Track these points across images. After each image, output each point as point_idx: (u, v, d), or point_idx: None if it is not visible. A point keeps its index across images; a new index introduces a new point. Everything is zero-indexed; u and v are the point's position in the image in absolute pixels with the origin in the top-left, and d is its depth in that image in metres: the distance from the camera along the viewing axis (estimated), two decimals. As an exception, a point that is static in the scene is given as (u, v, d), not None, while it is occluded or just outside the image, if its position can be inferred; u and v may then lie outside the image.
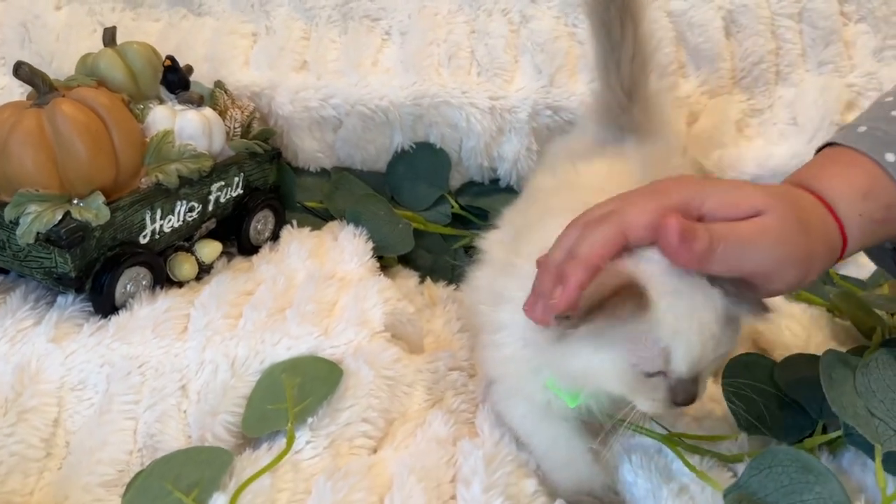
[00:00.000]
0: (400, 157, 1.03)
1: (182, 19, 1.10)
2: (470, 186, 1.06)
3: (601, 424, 0.61)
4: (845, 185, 0.56)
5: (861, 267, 0.94)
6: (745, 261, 0.49)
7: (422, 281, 0.95)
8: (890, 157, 0.56)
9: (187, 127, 0.81)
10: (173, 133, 0.80)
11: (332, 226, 0.96)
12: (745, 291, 0.49)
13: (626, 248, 0.49)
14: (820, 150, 0.63)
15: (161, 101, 0.84)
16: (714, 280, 0.49)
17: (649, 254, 0.49)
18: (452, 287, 0.93)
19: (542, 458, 0.62)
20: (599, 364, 0.50)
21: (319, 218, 1.00)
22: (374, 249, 0.91)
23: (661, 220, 0.47)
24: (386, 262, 0.95)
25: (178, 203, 0.81)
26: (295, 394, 0.64)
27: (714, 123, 1.05)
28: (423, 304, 0.89)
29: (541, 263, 0.52)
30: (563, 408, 0.59)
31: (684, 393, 0.49)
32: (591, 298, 0.47)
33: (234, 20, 1.08)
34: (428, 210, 1.02)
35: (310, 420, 0.63)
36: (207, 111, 0.84)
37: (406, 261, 0.98)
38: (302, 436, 0.61)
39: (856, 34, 1.07)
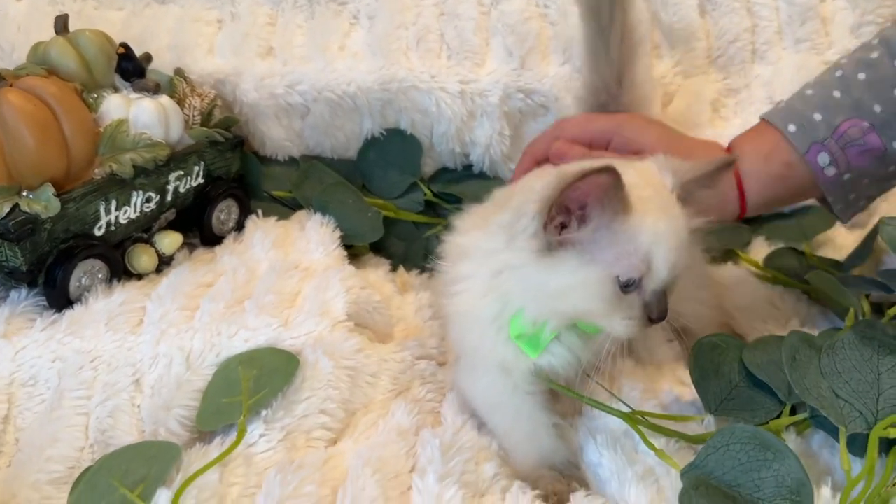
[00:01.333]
0: (370, 144, 1.02)
1: (145, 7, 1.08)
2: (443, 173, 1.04)
3: (558, 397, 0.62)
4: (752, 147, 0.72)
5: (839, 248, 0.93)
6: (626, 136, 0.72)
7: (394, 269, 0.94)
8: (791, 127, 0.71)
9: (142, 115, 0.79)
10: (128, 122, 0.78)
11: (300, 215, 0.94)
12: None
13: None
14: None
15: (116, 90, 0.82)
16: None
17: (624, 168, 0.53)
18: (426, 275, 0.92)
19: (504, 435, 0.62)
20: (583, 279, 0.52)
21: (288, 207, 0.98)
22: (343, 238, 0.90)
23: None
24: (357, 250, 0.94)
25: (135, 193, 0.79)
26: (251, 386, 0.62)
27: (689, 104, 1.03)
28: (394, 291, 0.88)
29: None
30: (525, 372, 0.60)
31: (659, 306, 0.53)
32: (576, 175, 0.50)
33: (198, 7, 1.06)
34: (400, 197, 1.00)
35: (264, 413, 0.61)
36: (164, 99, 0.82)
37: (378, 249, 0.97)
38: (255, 429, 0.60)
39: (833, 10, 1.05)
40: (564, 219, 0.52)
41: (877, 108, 0.69)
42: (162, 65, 0.95)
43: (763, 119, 0.75)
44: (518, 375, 0.61)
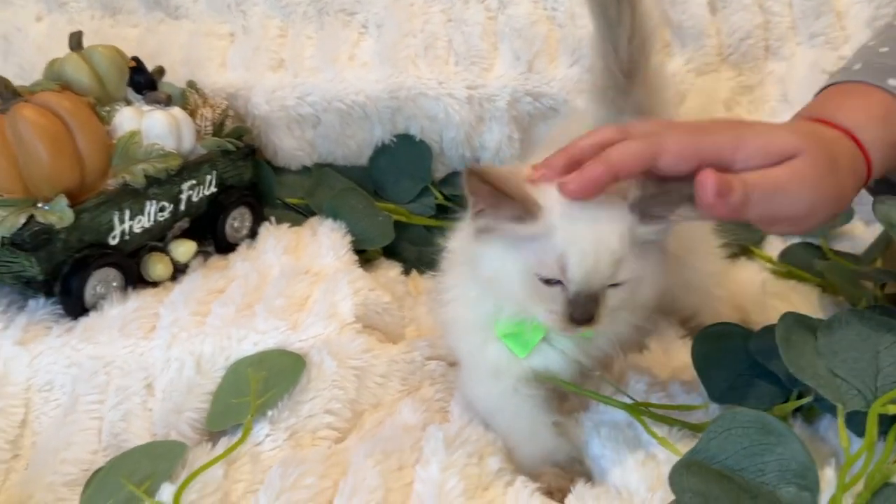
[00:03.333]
0: (381, 151, 1.04)
1: (159, 23, 1.12)
2: (454, 176, 1.05)
3: (565, 396, 0.62)
4: (863, 113, 0.60)
5: (856, 241, 0.92)
6: (779, 207, 0.52)
7: (407, 272, 0.95)
8: (892, 82, 0.61)
9: (154, 127, 0.82)
10: (140, 133, 0.81)
11: (312, 221, 0.96)
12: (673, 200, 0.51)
13: (651, 169, 0.52)
14: (819, 93, 0.66)
15: (128, 103, 0.86)
16: (641, 199, 0.52)
17: None
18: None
19: (507, 435, 0.63)
20: (508, 265, 0.53)
21: (301, 214, 1.00)
22: (354, 243, 0.92)
23: (698, 175, 0.49)
24: (370, 255, 0.96)
25: (148, 203, 0.82)
26: (259, 387, 0.64)
27: (702, 103, 1.04)
28: (405, 293, 0.89)
29: (567, 146, 0.54)
30: (520, 376, 0.60)
31: (581, 308, 0.51)
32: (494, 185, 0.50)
33: (210, 22, 1.09)
34: (412, 202, 1.02)
35: (270, 413, 0.63)
36: (175, 110, 0.85)
37: (392, 254, 0.98)
38: (262, 429, 0.62)
39: (848, 4, 1.05)
40: (482, 206, 0.53)
41: None
42: (177, 79, 0.97)
43: (842, 83, 0.65)
44: (514, 379, 0.61)
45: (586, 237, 0.50)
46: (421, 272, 0.96)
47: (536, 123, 1.01)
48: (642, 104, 0.78)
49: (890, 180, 0.69)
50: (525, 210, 0.51)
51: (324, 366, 0.68)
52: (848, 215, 0.94)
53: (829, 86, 0.65)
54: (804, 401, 0.57)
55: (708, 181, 0.48)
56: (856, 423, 0.52)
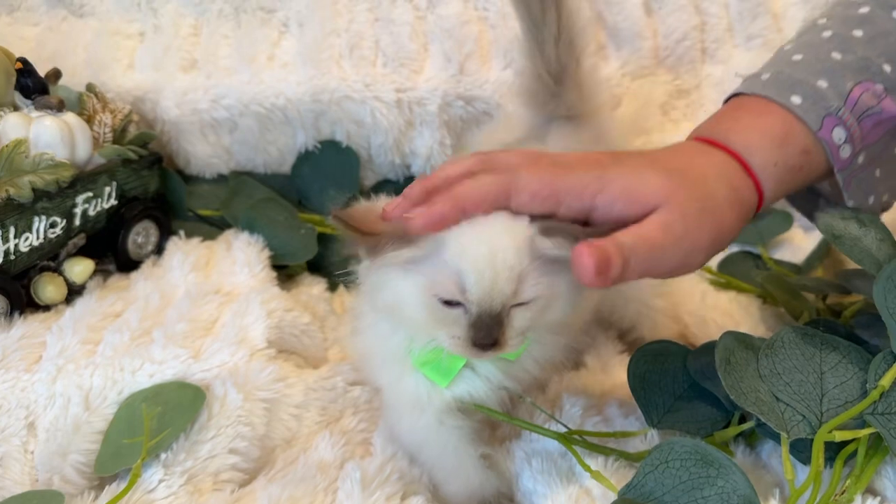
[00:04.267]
0: (305, 159, 0.99)
1: (62, 22, 1.05)
2: (385, 185, 1.01)
3: (497, 423, 0.59)
4: (758, 135, 0.56)
5: (796, 250, 0.91)
6: (657, 264, 0.49)
7: (332, 289, 0.91)
8: (796, 99, 0.57)
9: (44, 134, 0.76)
10: (27, 142, 0.75)
11: (228, 235, 0.90)
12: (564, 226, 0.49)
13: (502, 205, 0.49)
14: (727, 101, 0.62)
15: (15, 108, 0.79)
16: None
17: None
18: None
19: (433, 470, 0.60)
20: (404, 290, 0.50)
21: (217, 227, 0.94)
22: (273, 258, 0.87)
23: (573, 251, 0.46)
24: (293, 270, 0.91)
25: (36, 219, 0.75)
26: (153, 425, 0.59)
27: (637, 108, 1.02)
28: (329, 312, 0.84)
29: (428, 175, 0.52)
30: (443, 407, 0.56)
31: (484, 331, 0.48)
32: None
33: (117, 20, 1.03)
34: (339, 213, 0.98)
35: (163, 456, 0.58)
36: (69, 116, 0.79)
37: (317, 269, 0.93)
38: (154, 474, 0.56)
39: (785, 5, 1.04)
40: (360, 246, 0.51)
41: (887, 69, 0.58)
42: (78, 82, 0.91)
43: (745, 94, 0.60)
44: (437, 411, 0.57)
45: (480, 252, 0.47)
46: (348, 288, 0.91)
47: (469, 128, 0.98)
48: (574, 108, 0.75)
49: (814, 189, 0.67)
50: (399, 238, 0.48)
51: (228, 399, 0.62)
52: (787, 222, 0.94)
53: (734, 96, 0.62)
54: (746, 426, 0.55)
55: (585, 260, 0.46)
56: (800, 448, 0.49)
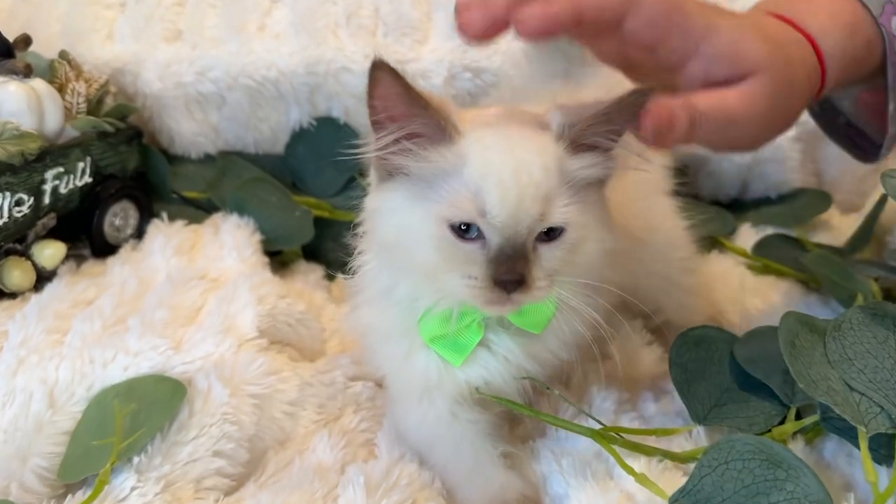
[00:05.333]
0: (299, 137, 0.96)
1: (35, -10, 1.00)
2: (385, 166, 0.97)
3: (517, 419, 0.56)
4: (831, 21, 0.56)
5: (834, 231, 0.88)
6: (720, 139, 0.51)
7: (330, 277, 0.86)
8: None
9: (8, 101, 0.73)
10: (-10, 109, 0.70)
11: (216, 218, 0.87)
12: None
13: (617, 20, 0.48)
14: None
15: (-22, 74, 0.74)
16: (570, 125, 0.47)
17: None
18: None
19: (446, 472, 0.56)
20: (414, 220, 0.47)
21: (203, 210, 0.91)
22: (264, 243, 0.83)
23: (645, 109, 0.46)
24: (286, 257, 0.87)
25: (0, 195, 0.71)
26: (126, 425, 0.54)
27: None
28: (326, 301, 0.80)
29: None
30: (456, 394, 0.53)
31: (507, 264, 0.44)
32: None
33: (96, -12, 0.99)
34: (337, 196, 0.93)
35: (136, 460, 0.53)
36: (37, 83, 0.75)
37: (313, 255, 0.89)
38: (126, 480, 0.52)
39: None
40: (388, 115, 0.47)
41: None
42: (52, 54, 0.87)
43: None
44: (449, 399, 0.54)
45: (505, 165, 0.44)
46: (347, 276, 0.86)
47: (477, 102, 0.93)
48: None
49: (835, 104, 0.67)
50: (439, 127, 0.45)
51: (212, 394, 0.57)
52: (825, 203, 0.89)
53: None
54: (808, 420, 0.50)
55: (648, 121, 0.46)
56: (878, 448, 0.44)
